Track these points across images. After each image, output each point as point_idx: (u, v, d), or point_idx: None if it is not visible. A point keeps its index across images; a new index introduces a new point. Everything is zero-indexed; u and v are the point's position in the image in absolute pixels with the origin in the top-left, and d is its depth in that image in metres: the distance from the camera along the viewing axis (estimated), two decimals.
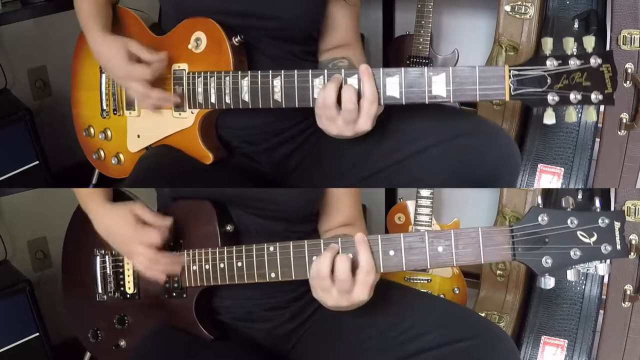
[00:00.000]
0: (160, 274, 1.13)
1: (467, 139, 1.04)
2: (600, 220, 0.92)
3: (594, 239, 0.92)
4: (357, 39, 1.29)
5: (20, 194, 1.93)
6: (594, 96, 0.95)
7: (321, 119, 1.05)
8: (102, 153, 1.34)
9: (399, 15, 2.28)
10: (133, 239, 1.13)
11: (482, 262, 0.97)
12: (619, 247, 0.92)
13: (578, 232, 0.92)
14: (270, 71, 1.08)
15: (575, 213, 0.93)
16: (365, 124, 1.02)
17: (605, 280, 1.64)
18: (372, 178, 1.13)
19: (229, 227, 1.14)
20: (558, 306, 1.73)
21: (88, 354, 1.56)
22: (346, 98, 1.01)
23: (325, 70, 1.05)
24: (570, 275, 0.94)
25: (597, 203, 0.94)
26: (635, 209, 1.49)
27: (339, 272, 0.98)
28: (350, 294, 0.98)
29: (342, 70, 1.05)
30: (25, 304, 1.76)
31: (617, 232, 0.92)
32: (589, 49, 0.95)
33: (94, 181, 1.74)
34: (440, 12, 2.17)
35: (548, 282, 0.95)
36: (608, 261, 0.93)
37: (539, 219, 0.93)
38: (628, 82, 1.48)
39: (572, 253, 0.92)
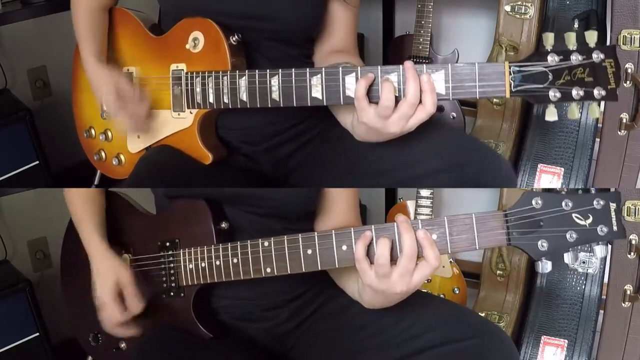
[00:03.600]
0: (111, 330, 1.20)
1: (469, 168, 1.04)
2: (595, 202, 0.91)
3: (589, 220, 0.91)
4: (355, 45, 1.29)
5: (20, 194, 1.93)
6: (597, 92, 0.94)
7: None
8: (103, 154, 1.34)
9: (399, 15, 2.28)
10: (106, 302, 1.17)
11: (477, 248, 0.96)
12: (615, 228, 0.91)
13: (573, 215, 0.91)
14: (268, 70, 1.08)
15: (569, 195, 0.91)
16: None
17: (606, 279, 1.64)
18: (372, 179, 1.13)
19: (223, 225, 1.14)
20: (558, 306, 1.73)
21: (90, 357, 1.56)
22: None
23: (323, 69, 1.05)
24: (567, 258, 0.93)
25: (593, 189, 0.93)
26: (635, 209, 1.49)
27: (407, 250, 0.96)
28: (410, 276, 0.96)
29: (340, 67, 1.04)
30: (25, 304, 1.76)
31: (613, 213, 0.90)
32: (591, 44, 0.94)
33: (95, 182, 1.74)
34: (440, 12, 2.17)
35: (545, 266, 0.94)
36: (608, 244, 0.92)
37: (533, 202, 0.92)
38: (628, 82, 1.48)
39: (568, 236, 0.91)
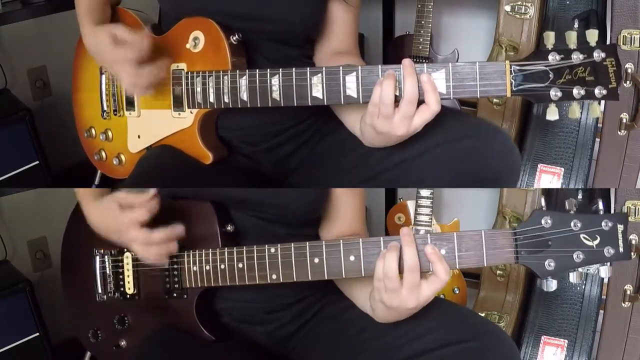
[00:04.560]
0: (159, 257, 1.11)
1: (468, 141, 1.04)
2: (603, 224, 0.91)
3: (597, 242, 0.91)
4: (356, 46, 1.28)
5: (20, 194, 1.93)
6: (598, 91, 0.94)
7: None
8: (103, 154, 1.34)
9: (399, 15, 2.28)
10: (122, 226, 1.10)
11: (485, 265, 0.96)
12: (621, 250, 0.91)
13: (581, 235, 0.91)
14: (269, 69, 1.08)
15: (578, 216, 0.92)
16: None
17: (605, 280, 1.64)
18: (373, 179, 1.13)
19: (229, 227, 1.14)
20: (558, 306, 1.73)
21: (88, 354, 1.56)
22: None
23: (324, 68, 1.05)
24: (573, 277, 0.93)
25: (600, 205, 0.93)
26: (635, 209, 1.49)
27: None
28: (419, 288, 0.97)
29: (340, 67, 1.04)
30: (25, 304, 1.76)
31: (620, 235, 0.91)
32: (592, 43, 0.94)
33: (96, 182, 1.75)
34: (440, 12, 2.17)
35: (550, 285, 0.94)
36: (610, 263, 0.93)
37: (542, 221, 0.93)
38: (628, 82, 1.48)
39: (575, 256, 0.92)
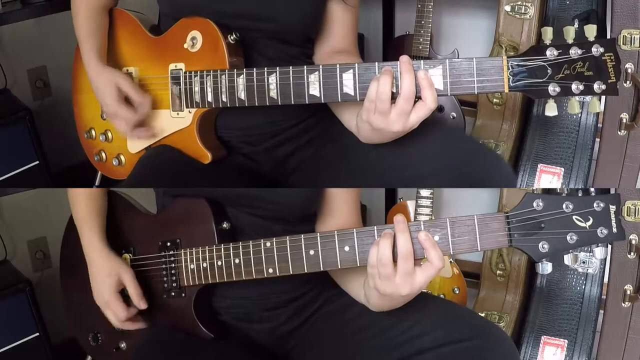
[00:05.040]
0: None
1: (469, 168, 1.04)
2: (595, 204, 0.91)
3: (589, 222, 0.91)
4: (355, 45, 1.28)
5: (20, 194, 1.94)
6: (597, 86, 0.93)
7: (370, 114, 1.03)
8: (103, 154, 1.34)
9: (399, 15, 2.28)
10: (109, 301, 1.19)
11: (479, 250, 0.96)
12: (615, 230, 0.91)
13: (574, 217, 0.92)
14: (266, 68, 1.08)
15: (570, 198, 0.92)
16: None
17: (606, 279, 1.64)
18: (372, 178, 1.12)
19: (225, 225, 1.14)
20: (558, 306, 1.73)
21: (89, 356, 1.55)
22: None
23: (321, 66, 1.04)
24: (568, 260, 0.94)
25: (592, 188, 0.93)
26: (635, 209, 1.49)
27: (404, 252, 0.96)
28: (413, 275, 0.97)
29: (337, 64, 1.04)
30: (25, 304, 1.76)
31: (612, 216, 0.91)
32: (591, 38, 0.93)
33: (97, 182, 1.75)
34: (440, 12, 2.17)
35: (546, 268, 0.95)
36: (609, 246, 0.93)
37: (534, 204, 0.93)
38: (628, 82, 1.47)
39: (568, 237, 0.92)
